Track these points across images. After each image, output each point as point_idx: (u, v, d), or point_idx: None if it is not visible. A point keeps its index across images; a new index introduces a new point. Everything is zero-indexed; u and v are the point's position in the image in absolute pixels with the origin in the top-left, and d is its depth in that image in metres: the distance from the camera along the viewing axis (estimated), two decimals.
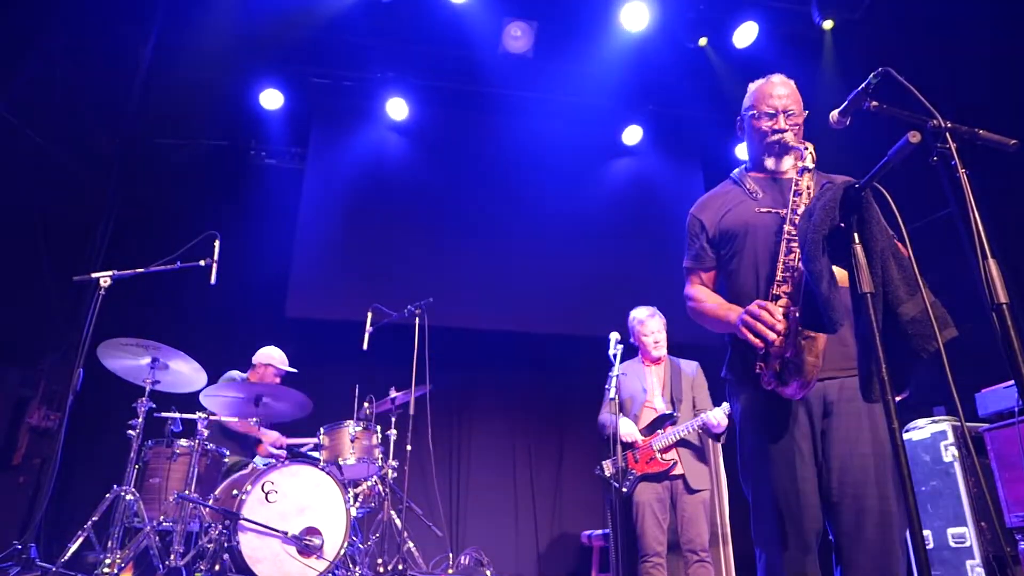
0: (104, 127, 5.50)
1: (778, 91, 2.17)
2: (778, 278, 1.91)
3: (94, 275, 3.74)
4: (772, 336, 1.83)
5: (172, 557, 3.46)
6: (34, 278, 4.87)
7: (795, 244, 1.89)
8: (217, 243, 3.93)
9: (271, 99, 6.22)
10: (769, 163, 2.18)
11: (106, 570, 3.28)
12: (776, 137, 2.13)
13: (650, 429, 3.88)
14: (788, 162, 2.16)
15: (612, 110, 6.79)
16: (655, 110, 6.80)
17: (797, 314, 1.81)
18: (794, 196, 1.98)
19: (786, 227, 1.95)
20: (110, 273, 3.75)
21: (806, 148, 2.04)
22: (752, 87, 2.26)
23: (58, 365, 4.75)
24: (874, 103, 1.69)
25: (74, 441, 4.06)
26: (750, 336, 1.86)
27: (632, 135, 6.85)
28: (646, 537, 3.70)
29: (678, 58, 6.21)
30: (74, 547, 3.33)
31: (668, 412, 3.88)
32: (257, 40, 5.84)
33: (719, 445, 4.34)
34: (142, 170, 5.95)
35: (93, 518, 3.43)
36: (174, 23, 5.66)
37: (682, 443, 3.82)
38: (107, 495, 3.49)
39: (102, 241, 5.41)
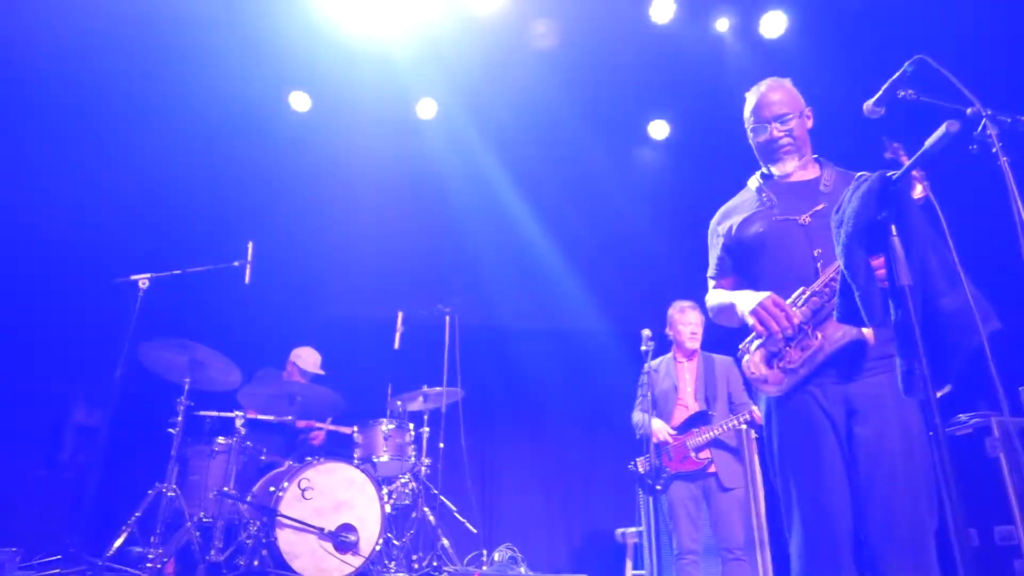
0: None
1: (766, 99, 2.18)
2: (799, 293, 1.94)
3: (133, 277, 3.84)
4: (775, 327, 1.88)
5: (212, 552, 3.55)
6: (77, 282, 5.02)
7: (819, 264, 1.94)
8: (251, 245, 4.01)
9: (300, 102, 6.28)
10: (775, 169, 2.21)
11: (149, 564, 3.37)
12: (772, 147, 2.17)
13: (685, 427, 3.85)
14: (792, 164, 2.17)
15: (641, 104, 6.73)
16: (685, 104, 6.71)
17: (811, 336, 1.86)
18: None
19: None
20: (148, 275, 3.84)
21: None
22: (747, 96, 2.27)
23: (101, 365, 4.89)
24: (910, 91, 1.65)
25: (117, 438, 4.16)
26: (755, 322, 1.93)
27: (660, 129, 6.78)
28: (680, 535, 3.68)
29: (707, 50, 6.13)
30: (119, 542, 3.44)
31: (703, 410, 3.85)
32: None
33: (755, 444, 4.28)
34: (179, 173, 6.07)
35: (136, 514, 3.52)
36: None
37: (716, 442, 3.78)
38: (149, 491, 3.59)
39: (141, 243, 5.54)
